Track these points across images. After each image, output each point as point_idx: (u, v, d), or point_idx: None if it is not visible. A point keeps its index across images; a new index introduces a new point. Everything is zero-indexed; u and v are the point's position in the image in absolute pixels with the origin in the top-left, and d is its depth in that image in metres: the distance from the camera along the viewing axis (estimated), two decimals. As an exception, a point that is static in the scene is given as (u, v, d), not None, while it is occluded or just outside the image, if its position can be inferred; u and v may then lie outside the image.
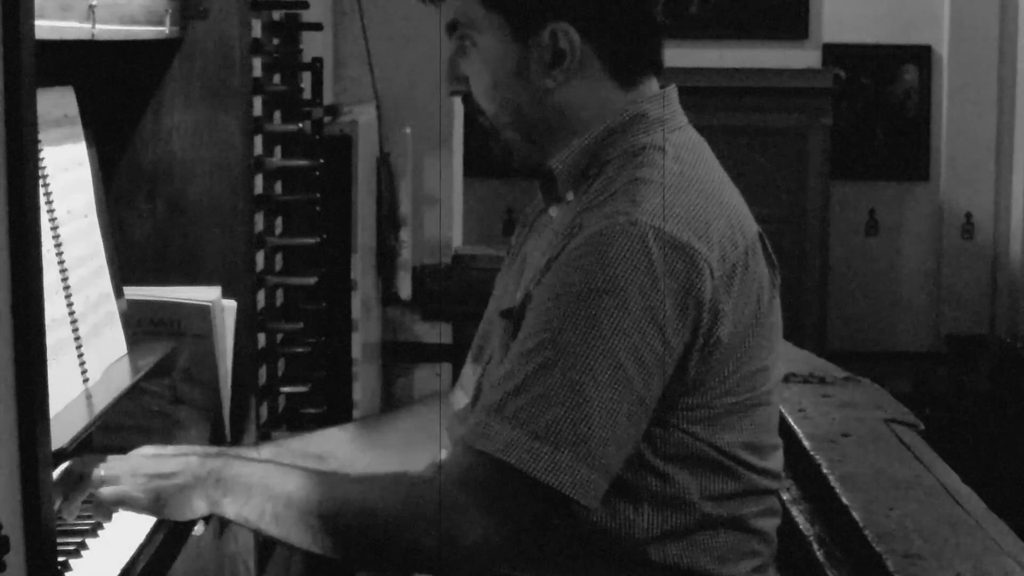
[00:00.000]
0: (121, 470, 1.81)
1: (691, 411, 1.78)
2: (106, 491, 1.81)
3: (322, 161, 2.86)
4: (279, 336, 2.81)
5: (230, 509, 1.79)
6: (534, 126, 1.90)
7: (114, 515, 1.87)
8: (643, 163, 1.81)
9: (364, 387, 4.43)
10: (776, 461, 1.91)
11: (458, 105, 5.00)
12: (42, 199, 1.94)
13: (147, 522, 1.90)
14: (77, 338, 2.04)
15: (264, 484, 1.79)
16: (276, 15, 2.84)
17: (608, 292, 1.69)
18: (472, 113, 1.95)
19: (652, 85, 1.92)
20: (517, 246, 2.06)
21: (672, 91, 1.94)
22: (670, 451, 1.78)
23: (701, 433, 1.79)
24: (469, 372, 2.10)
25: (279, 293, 2.87)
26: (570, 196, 1.89)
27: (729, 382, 1.79)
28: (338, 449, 2.18)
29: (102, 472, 1.80)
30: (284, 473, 1.83)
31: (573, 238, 1.75)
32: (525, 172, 1.95)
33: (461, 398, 2.13)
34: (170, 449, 1.96)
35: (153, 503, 1.80)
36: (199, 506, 1.80)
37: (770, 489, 1.89)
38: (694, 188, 1.79)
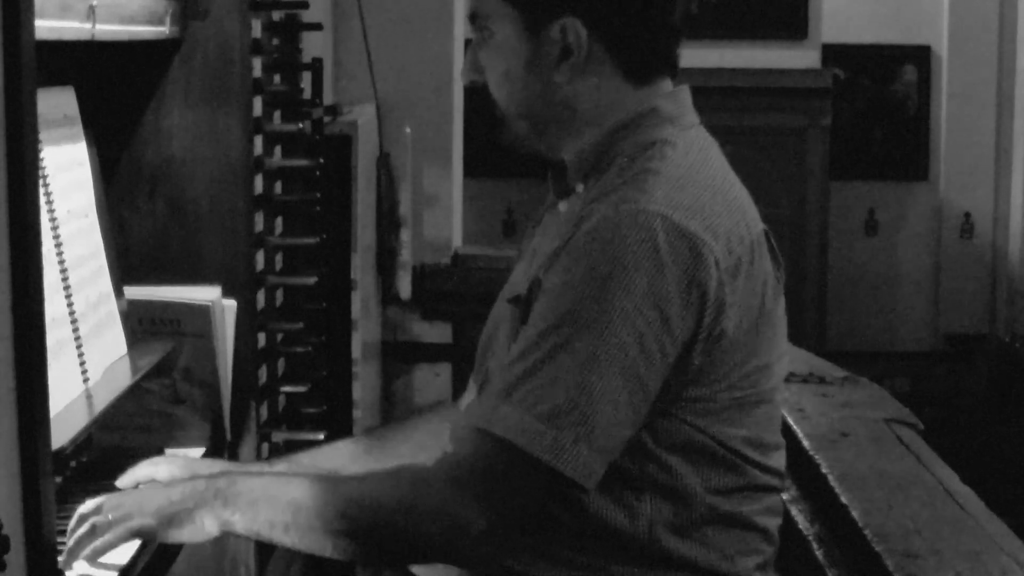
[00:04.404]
0: (129, 506, 1.81)
1: (694, 403, 1.79)
2: (118, 530, 1.80)
3: (322, 161, 2.86)
4: (279, 336, 2.81)
5: (240, 525, 1.81)
6: (543, 119, 1.92)
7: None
8: (653, 156, 1.83)
9: (364, 387, 4.42)
10: (778, 460, 1.91)
11: (458, 105, 5.01)
12: (42, 199, 1.94)
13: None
14: (77, 338, 2.04)
15: (270, 496, 1.80)
16: (276, 15, 2.83)
17: (614, 278, 1.70)
18: (483, 104, 1.96)
19: (665, 84, 1.94)
20: (527, 243, 2.07)
21: (685, 90, 1.95)
22: (673, 442, 1.80)
23: (704, 425, 1.80)
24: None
25: (279, 293, 2.87)
26: (580, 188, 1.91)
27: (732, 377, 1.80)
28: (351, 463, 2.19)
29: (110, 516, 1.79)
30: (288, 482, 1.84)
31: (581, 226, 1.77)
32: (533, 160, 1.97)
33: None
34: (177, 475, 1.99)
35: (164, 528, 1.81)
36: (209, 527, 1.81)
37: (772, 487, 1.90)
38: (702, 182, 1.81)
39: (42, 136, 1.83)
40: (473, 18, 1.94)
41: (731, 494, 1.84)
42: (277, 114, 2.82)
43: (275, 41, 2.83)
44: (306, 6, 2.82)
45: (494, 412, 1.73)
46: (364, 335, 4.40)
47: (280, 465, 2.19)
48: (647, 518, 1.81)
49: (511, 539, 1.78)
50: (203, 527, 1.81)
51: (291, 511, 1.78)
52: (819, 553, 2.53)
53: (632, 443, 1.77)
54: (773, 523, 1.92)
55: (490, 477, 1.73)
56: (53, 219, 2.02)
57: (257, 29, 2.64)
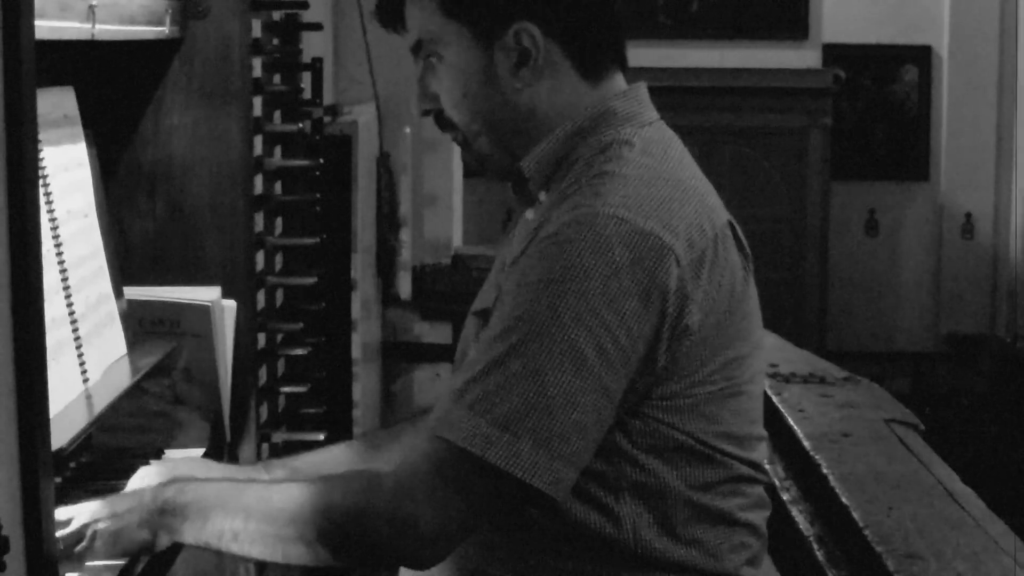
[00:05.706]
0: (79, 523, 1.77)
1: (666, 400, 1.78)
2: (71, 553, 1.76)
3: (322, 161, 2.86)
4: (279, 336, 2.81)
5: (189, 535, 1.77)
6: (506, 131, 1.90)
7: None
8: (610, 157, 1.82)
9: (364, 387, 4.43)
10: (760, 453, 1.89)
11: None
12: (42, 199, 1.94)
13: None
14: (77, 338, 2.04)
15: (220, 503, 1.77)
16: (276, 15, 2.83)
17: (568, 282, 1.69)
18: (443, 130, 1.95)
19: (619, 81, 1.93)
20: (499, 251, 2.06)
21: (641, 87, 1.94)
22: (647, 441, 1.78)
23: (678, 423, 1.78)
24: None
25: (279, 293, 2.87)
26: (543, 196, 1.90)
27: (703, 372, 1.78)
28: (347, 469, 2.17)
29: (62, 532, 1.75)
30: (240, 489, 1.82)
31: (539, 233, 1.77)
32: (500, 178, 1.96)
33: None
34: (127, 490, 1.93)
35: (111, 547, 1.77)
36: (161, 539, 1.78)
37: (755, 479, 1.89)
38: (660, 179, 1.80)
39: (42, 136, 1.83)
40: (417, 47, 1.92)
41: (711, 489, 1.82)
42: (277, 114, 2.82)
43: (275, 41, 2.83)
44: (306, 6, 2.82)
45: (446, 416, 1.71)
46: (364, 336, 4.41)
47: (279, 472, 2.15)
48: (630, 520, 1.79)
49: (463, 540, 1.75)
50: (151, 541, 1.77)
51: (241, 517, 1.75)
52: (820, 554, 2.53)
53: (605, 445, 1.75)
54: (758, 517, 1.90)
55: (443, 483, 1.70)
56: (53, 219, 2.02)
57: (257, 29, 2.64)
